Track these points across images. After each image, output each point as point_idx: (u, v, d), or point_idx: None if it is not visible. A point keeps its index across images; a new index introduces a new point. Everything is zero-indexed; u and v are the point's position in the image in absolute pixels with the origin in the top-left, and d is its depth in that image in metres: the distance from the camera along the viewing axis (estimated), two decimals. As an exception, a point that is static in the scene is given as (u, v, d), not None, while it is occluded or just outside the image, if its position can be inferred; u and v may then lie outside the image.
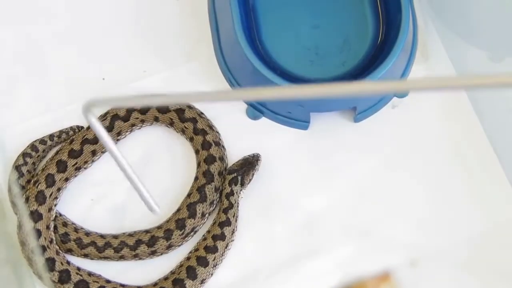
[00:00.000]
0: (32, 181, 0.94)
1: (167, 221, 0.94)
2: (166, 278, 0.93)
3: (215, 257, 0.93)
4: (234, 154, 0.99)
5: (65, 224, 0.94)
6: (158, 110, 0.97)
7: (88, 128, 0.96)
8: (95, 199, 0.97)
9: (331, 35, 1.00)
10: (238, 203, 0.95)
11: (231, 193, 0.94)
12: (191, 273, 0.92)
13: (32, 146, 0.96)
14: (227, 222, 0.94)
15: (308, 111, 0.98)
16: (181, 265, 0.93)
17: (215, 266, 0.93)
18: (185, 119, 0.97)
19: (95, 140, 0.95)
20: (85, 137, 0.95)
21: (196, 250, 0.93)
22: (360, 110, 0.99)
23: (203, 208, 0.94)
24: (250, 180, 0.96)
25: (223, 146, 0.98)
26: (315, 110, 0.98)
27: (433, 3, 1.04)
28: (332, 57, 0.99)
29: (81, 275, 0.92)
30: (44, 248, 0.91)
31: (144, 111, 0.96)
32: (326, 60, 0.99)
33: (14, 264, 0.95)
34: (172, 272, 0.93)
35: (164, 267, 0.95)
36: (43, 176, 0.94)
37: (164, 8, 1.04)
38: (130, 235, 0.94)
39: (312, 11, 1.00)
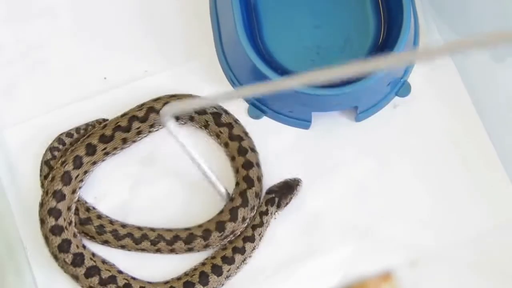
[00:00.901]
0: (60, 160, 0.94)
1: (209, 221, 0.94)
2: (178, 279, 0.93)
3: (230, 269, 0.93)
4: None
5: (99, 216, 0.95)
6: (195, 111, 0.97)
7: (123, 115, 0.97)
8: (98, 197, 0.97)
9: (332, 34, 1.00)
10: (269, 223, 0.95)
11: (266, 212, 0.94)
12: (204, 279, 0.92)
13: (59, 140, 0.97)
14: (252, 239, 0.94)
15: (309, 111, 0.98)
16: (195, 269, 0.93)
17: (228, 278, 0.93)
18: (221, 124, 0.97)
19: (128, 128, 0.95)
20: (118, 124, 0.96)
21: (213, 257, 0.94)
22: (361, 109, 0.98)
23: (244, 212, 0.93)
24: (287, 203, 0.95)
25: (257, 152, 0.98)
26: (316, 109, 0.98)
27: (434, 3, 1.04)
28: (333, 57, 0.98)
29: (94, 261, 0.92)
30: (62, 229, 0.92)
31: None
32: (327, 60, 0.99)
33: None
34: (186, 274, 0.93)
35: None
36: (71, 157, 0.94)
37: (165, 7, 1.04)
38: (168, 230, 0.94)
39: (313, 11, 1.00)
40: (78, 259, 0.91)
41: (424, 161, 1.00)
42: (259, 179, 0.96)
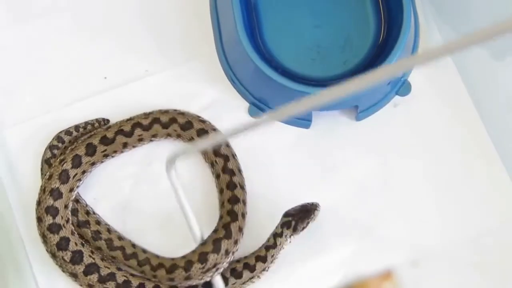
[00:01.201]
0: (59, 159, 0.94)
1: (192, 252, 0.91)
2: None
3: (235, 282, 0.93)
4: (237, 152, 0.99)
5: (98, 222, 0.94)
6: (197, 133, 0.97)
7: (128, 120, 0.97)
8: (97, 198, 0.97)
9: (332, 34, 1.00)
10: (283, 247, 0.94)
11: (280, 234, 0.93)
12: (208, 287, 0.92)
13: (58, 138, 0.97)
14: (263, 259, 0.93)
15: (310, 110, 0.97)
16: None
17: None
18: (218, 154, 0.97)
19: (130, 134, 0.96)
20: (121, 128, 0.96)
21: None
22: (361, 108, 0.99)
23: (227, 244, 0.91)
24: (303, 228, 0.93)
25: (245, 191, 0.97)
26: (317, 108, 0.97)
27: (434, 2, 1.04)
28: (334, 56, 0.99)
29: (93, 258, 0.92)
30: (59, 227, 0.91)
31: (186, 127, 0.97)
32: (327, 59, 0.99)
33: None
34: None
35: None
36: (71, 155, 0.94)
37: (166, 7, 1.04)
38: (156, 256, 0.93)
39: (313, 10, 1.00)
40: (77, 257, 0.91)
41: (425, 160, 1.00)
42: (243, 215, 0.95)
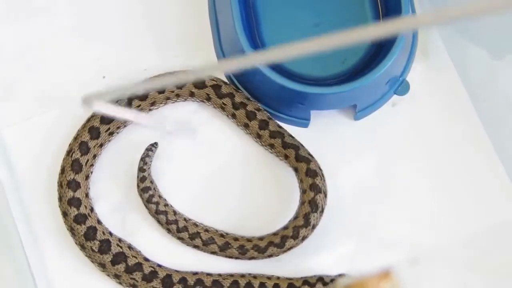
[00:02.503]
0: (66, 151, 0.95)
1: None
2: (208, 275, 0.93)
3: None
4: (236, 152, 1.00)
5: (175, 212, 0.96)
6: (194, 86, 0.97)
7: None
8: (94, 198, 0.97)
9: (331, 32, 0.98)
10: None
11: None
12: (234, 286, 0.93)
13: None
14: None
15: (308, 109, 0.98)
16: (231, 275, 0.94)
17: None
18: (222, 95, 0.97)
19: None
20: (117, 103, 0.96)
21: (254, 277, 0.94)
22: (360, 108, 0.99)
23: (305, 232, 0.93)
24: None
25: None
26: (315, 108, 0.98)
27: (433, 2, 1.04)
28: (332, 55, 0.99)
29: (121, 247, 0.93)
30: (85, 217, 0.92)
31: (180, 85, 0.97)
32: (326, 58, 0.99)
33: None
34: (219, 275, 0.94)
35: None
36: (77, 144, 0.94)
37: (164, 5, 1.04)
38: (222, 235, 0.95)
39: (312, 9, 1.00)
40: (104, 246, 0.92)
41: (423, 159, 1.00)
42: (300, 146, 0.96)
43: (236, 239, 0.94)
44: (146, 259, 0.93)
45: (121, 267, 0.91)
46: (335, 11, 1.00)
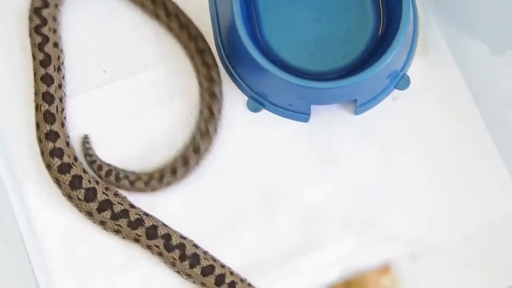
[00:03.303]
0: (35, 108, 0.96)
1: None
2: None
3: None
4: (235, 146, 1.00)
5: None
6: None
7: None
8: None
9: (331, 28, 1.00)
10: None
11: None
12: None
13: None
14: None
15: (308, 104, 0.98)
16: None
17: None
18: None
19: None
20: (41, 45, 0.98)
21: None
22: (360, 102, 0.99)
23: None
24: None
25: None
26: (315, 102, 0.98)
27: (434, -3, 1.04)
28: (333, 50, 0.99)
29: (107, 195, 0.94)
30: (69, 166, 0.93)
31: None
32: (326, 53, 0.99)
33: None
34: None
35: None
36: (39, 98, 0.96)
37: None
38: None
39: (313, 4, 1.00)
40: (90, 194, 0.93)
41: (424, 154, 1.00)
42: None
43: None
44: (132, 206, 0.95)
45: (107, 214, 0.93)
46: (335, 6, 1.00)
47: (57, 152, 0.94)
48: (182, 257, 0.93)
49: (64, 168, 0.93)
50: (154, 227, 0.93)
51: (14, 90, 1.00)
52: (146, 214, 0.95)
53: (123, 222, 0.93)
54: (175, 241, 0.93)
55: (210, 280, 0.93)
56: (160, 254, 0.94)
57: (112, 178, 0.96)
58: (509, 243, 0.98)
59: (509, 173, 1.00)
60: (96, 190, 0.93)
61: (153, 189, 0.97)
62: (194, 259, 0.93)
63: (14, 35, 1.01)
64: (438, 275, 0.97)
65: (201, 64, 0.99)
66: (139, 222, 0.93)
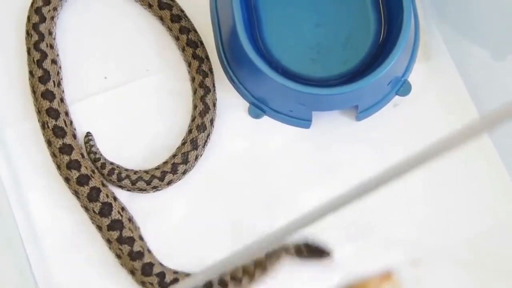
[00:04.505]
0: (41, 127, 0.98)
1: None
2: None
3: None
4: (237, 152, 1.01)
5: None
6: None
7: None
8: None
9: (333, 33, 1.01)
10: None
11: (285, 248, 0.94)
12: None
13: None
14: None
15: (309, 110, 0.99)
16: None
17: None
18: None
19: None
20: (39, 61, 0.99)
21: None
22: (361, 108, 0.99)
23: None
24: (304, 258, 0.94)
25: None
26: (317, 109, 0.99)
27: (435, 2, 1.05)
28: (334, 56, 1.00)
29: (121, 216, 0.94)
30: (88, 177, 0.95)
31: None
32: (328, 59, 1.00)
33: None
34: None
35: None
36: (44, 115, 0.97)
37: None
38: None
39: (314, 10, 1.01)
40: (106, 209, 0.94)
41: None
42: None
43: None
44: (141, 238, 0.96)
45: (114, 234, 0.94)
46: (336, 11, 1.01)
47: (74, 165, 0.95)
48: None
49: (83, 180, 0.95)
50: (150, 265, 0.94)
51: (13, 96, 1.02)
52: (149, 251, 0.95)
53: (125, 248, 0.93)
54: (168, 278, 0.94)
55: None
56: None
57: (114, 177, 0.97)
58: (509, 246, 0.99)
59: (509, 177, 1.00)
60: (112, 207, 0.94)
61: (155, 188, 0.97)
62: None
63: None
64: (440, 280, 0.98)
65: (192, 58, 1.01)
66: (139, 255, 0.93)
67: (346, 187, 0.97)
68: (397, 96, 1.02)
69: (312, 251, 0.94)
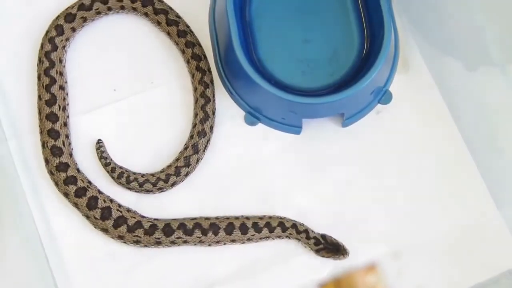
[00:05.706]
0: (41, 146, 1.00)
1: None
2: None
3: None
4: (234, 157, 1.03)
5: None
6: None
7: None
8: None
9: (320, 48, 1.02)
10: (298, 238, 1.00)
11: (301, 232, 0.99)
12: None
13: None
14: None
15: (300, 117, 1.01)
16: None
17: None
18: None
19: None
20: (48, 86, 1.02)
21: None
22: (347, 116, 1.02)
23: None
24: (322, 256, 0.99)
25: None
26: (307, 116, 1.01)
27: (413, 19, 1.07)
28: (322, 68, 1.02)
29: (120, 212, 0.99)
30: (85, 189, 0.98)
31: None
32: (316, 71, 1.02)
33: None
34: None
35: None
36: (45, 135, 1.00)
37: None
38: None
39: (303, 27, 1.03)
40: (106, 213, 0.98)
41: (405, 161, 1.04)
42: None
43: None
44: (143, 216, 1.00)
45: (123, 228, 0.98)
46: (324, 28, 1.03)
47: (71, 180, 0.98)
48: (204, 232, 0.98)
49: (80, 192, 0.98)
50: (168, 225, 0.98)
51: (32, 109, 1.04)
52: (157, 219, 0.99)
53: (139, 232, 0.98)
54: (189, 225, 0.98)
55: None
56: (185, 242, 0.99)
57: (123, 180, 1.00)
58: (484, 239, 1.02)
59: (481, 177, 1.03)
60: (111, 209, 0.98)
61: (160, 190, 1.02)
62: (214, 227, 0.99)
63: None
64: (420, 271, 1.00)
65: (196, 70, 1.04)
66: (154, 228, 0.98)
67: (333, 187, 1.03)
68: (379, 104, 1.04)
69: (331, 245, 0.98)
